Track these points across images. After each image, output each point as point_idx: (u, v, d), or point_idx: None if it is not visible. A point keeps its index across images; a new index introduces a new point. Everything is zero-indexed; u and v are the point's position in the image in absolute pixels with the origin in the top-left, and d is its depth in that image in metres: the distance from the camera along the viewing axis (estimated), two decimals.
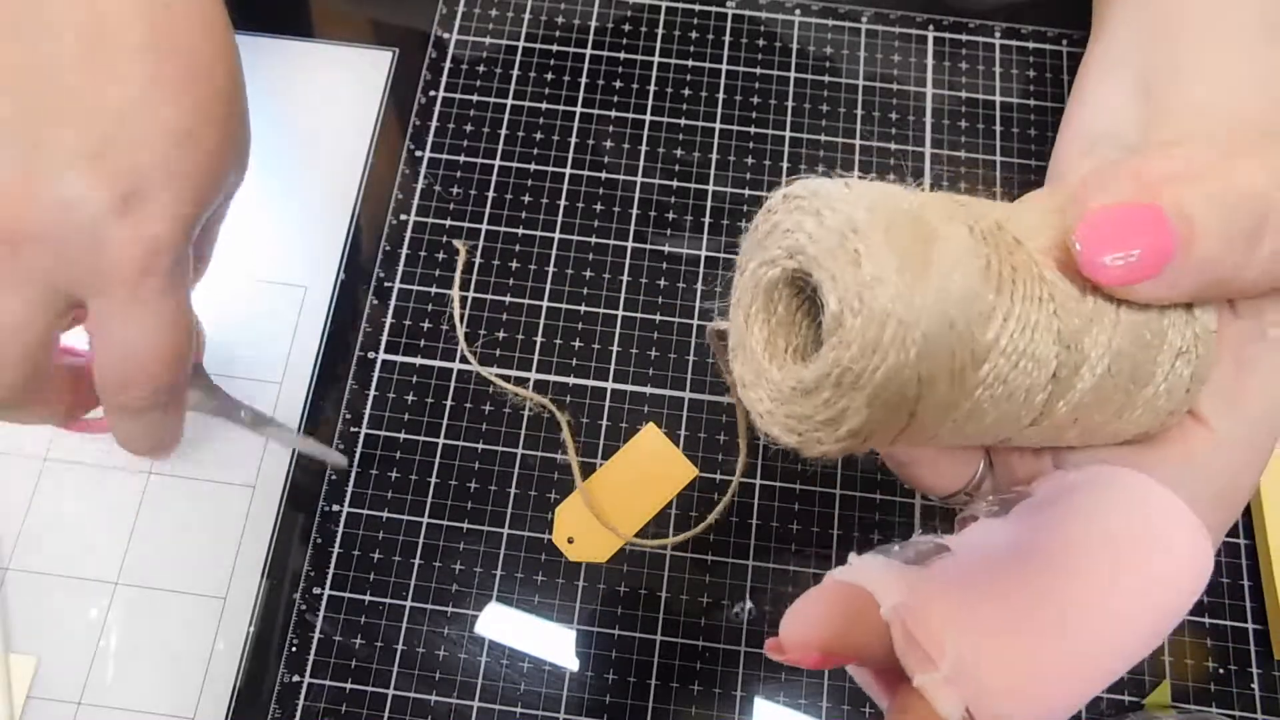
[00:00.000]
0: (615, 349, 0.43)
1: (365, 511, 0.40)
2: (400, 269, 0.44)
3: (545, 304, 0.44)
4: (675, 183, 0.46)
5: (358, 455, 0.41)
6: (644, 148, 0.46)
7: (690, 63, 0.48)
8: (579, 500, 0.40)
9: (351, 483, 0.41)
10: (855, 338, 0.19)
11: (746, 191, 0.46)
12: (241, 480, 0.41)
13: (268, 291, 0.44)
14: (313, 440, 0.40)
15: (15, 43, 0.24)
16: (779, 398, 0.22)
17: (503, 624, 0.39)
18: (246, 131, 0.29)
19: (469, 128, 0.47)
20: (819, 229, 0.20)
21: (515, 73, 0.48)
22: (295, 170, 0.46)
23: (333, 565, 0.39)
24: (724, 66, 0.48)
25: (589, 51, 0.48)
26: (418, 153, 0.46)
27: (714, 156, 0.46)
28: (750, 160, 0.46)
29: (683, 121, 0.47)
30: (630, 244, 0.44)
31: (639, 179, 0.46)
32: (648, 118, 0.47)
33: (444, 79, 0.48)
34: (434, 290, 0.44)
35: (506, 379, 0.42)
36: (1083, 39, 0.32)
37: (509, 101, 0.47)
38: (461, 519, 0.40)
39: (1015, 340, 0.20)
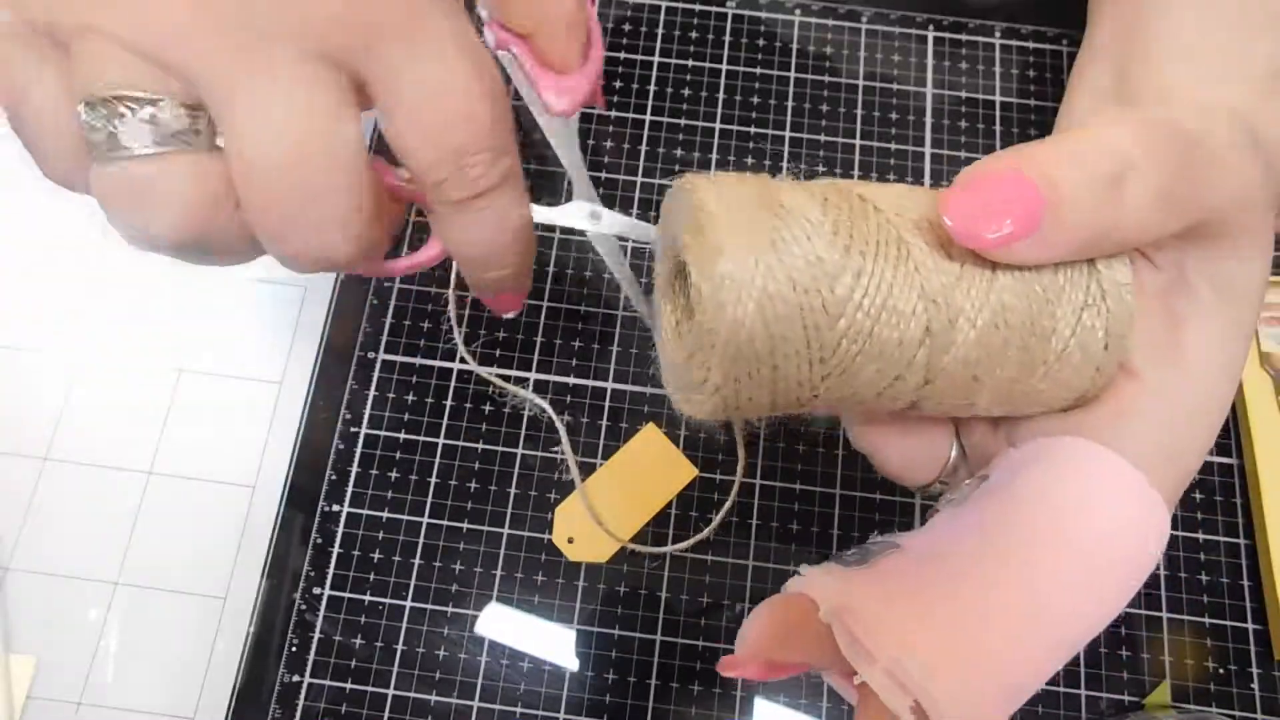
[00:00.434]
0: (615, 349, 0.43)
1: (365, 511, 0.40)
2: None
3: (545, 304, 0.44)
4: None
5: (357, 455, 0.41)
6: (644, 148, 0.46)
7: (690, 63, 0.48)
8: (579, 500, 0.40)
9: (351, 483, 0.41)
10: (708, 303, 0.21)
11: None
12: (241, 480, 0.41)
13: (268, 291, 0.44)
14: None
15: None
16: (673, 371, 0.25)
17: (503, 624, 0.39)
18: None
19: None
20: (686, 217, 0.23)
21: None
22: None
23: (333, 565, 0.39)
24: (724, 66, 0.48)
25: None
26: None
27: (714, 156, 0.46)
28: (750, 160, 0.46)
29: (683, 121, 0.47)
30: (630, 243, 0.44)
31: (639, 179, 0.46)
32: (648, 118, 0.47)
33: None
34: (434, 290, 0.44)
35: (506, 379, 0.42)
36: (1082, 39, 0.32)
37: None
38: (461, 519, 0.40)
39: (872, 296, 0.22)
